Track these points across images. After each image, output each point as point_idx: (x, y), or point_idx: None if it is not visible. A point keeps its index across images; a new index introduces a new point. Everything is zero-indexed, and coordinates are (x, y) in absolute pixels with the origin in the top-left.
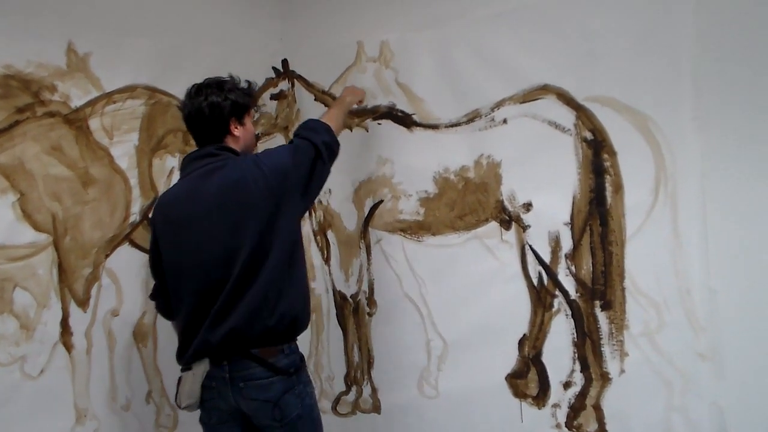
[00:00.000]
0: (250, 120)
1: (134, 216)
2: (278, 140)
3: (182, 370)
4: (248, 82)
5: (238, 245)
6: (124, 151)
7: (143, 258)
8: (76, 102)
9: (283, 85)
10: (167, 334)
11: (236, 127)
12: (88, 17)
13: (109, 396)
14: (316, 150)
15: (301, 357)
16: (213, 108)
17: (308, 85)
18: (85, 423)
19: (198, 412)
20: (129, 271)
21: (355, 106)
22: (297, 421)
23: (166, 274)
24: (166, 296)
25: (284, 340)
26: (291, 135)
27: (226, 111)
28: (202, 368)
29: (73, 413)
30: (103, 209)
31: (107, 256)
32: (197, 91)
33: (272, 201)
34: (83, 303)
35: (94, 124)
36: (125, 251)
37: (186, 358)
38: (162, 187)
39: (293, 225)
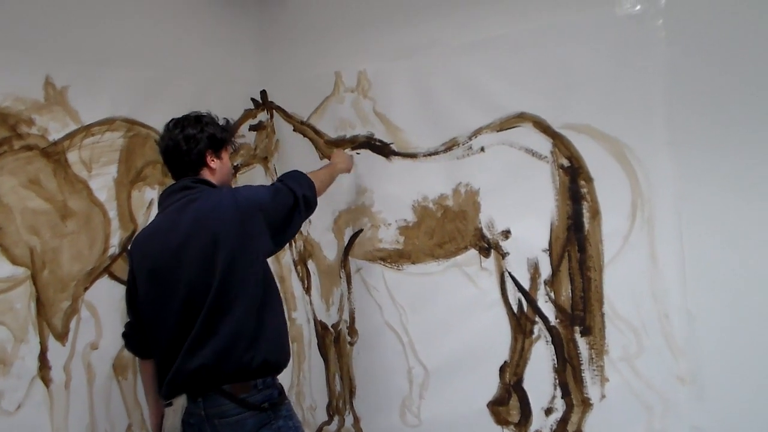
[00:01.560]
0: (227, 155)
1: (113, 248)
2: (258, 171)
3: (164, 406)
4: (226, 119)
5: (209, 278)
6: (102, 183)
7: (123, 290)
8: (54, 135)
9: (262, 116)
10: None
11: (213, 160)
12: (65, 50)
13: (88, 430)
14: (295, 199)
15: (280, 391)
16: (189, 140)
17: (287, 116)
18: None
19: None
20: (108, 303)
21: (349, 173)
22: None
23: (142, 310)
24: (141, 333)
25: (258, 377)
26: (270, 165)
27: (203, 143)
28: (180, 403)
29: None
30: (82, 242)
31: (86, 288)
32: (175, 124)
33: (242, 233)
34: (62, 336)
35: (72, 157)
36: (104, 284)
37: (164, 391)
38: (141, 219)
39: (262, 262)
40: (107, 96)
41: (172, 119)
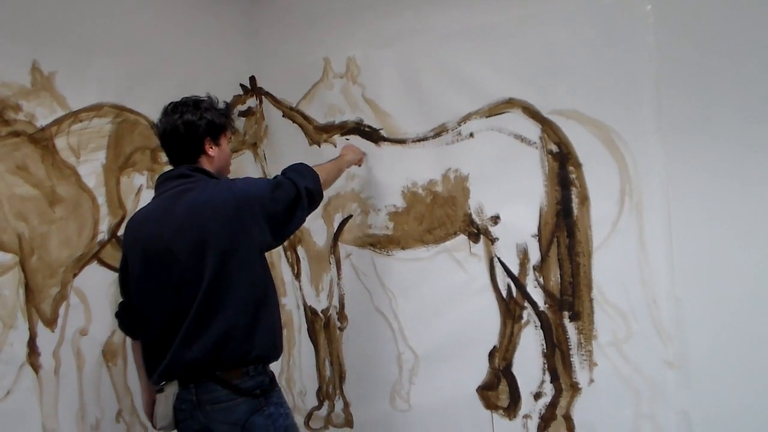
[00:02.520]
0: (226, 141)
1: (102, 234)
2: (247, 157)
3: (156, 392)
4: (226, 103)
5: (201, 269)
6: (91, 169)
7: (112, 276)
8: (42, 121)
9: (251, 102)
10: None
11: (211, 147)
12: (52, 36)
13: (78, 416)
14: (297, 192)
15: (271, 378)
16: (188, 126)
17: (276, 102)
18: None
19: None
20: (97, 289)
21: (356, 166)
22: None
23: (133, 293)
24: (131, 314)
25: (250, 365)
26: (259, 152)
27: (201, 130)
28: (172, 390)
29: None
30: (71, 228)
31: (75, 275)
32: (173, 108)
33: (237, 228)
34: (51, 323)
35: (60, 143)
36: (93, 270)
37: (155, 379)
38: (130, 205)
39: (258, 257)
40: (95, 82)
41: (171, 103)
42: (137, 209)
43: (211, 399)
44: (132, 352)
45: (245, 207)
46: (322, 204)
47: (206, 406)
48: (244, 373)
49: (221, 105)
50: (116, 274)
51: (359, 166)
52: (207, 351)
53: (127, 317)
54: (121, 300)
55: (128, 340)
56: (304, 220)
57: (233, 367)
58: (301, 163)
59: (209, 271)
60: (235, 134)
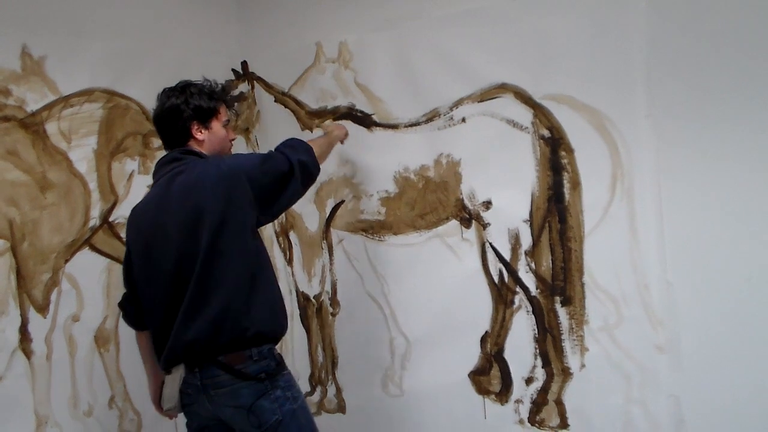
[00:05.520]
0: (219, 124)
1: (94, 220)
2: (239, 142)
3: (165, 373)
4: (222, 85)
5: (194, 250)
6: (82, 154)
7: (104, 262)
8: (32, 106)
9: (243, 87)
10: (130, 338)
11: (200, 132)
12: (42, 20)
13: (70, 402)
14: (290, 166)
15: (278, 362)
16: (172, 111)
17: (268, 87)
18: (45, 430)
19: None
20: (90, 275)
21: (340, 144)
22: (277, 426)
23: (138, 284)
24: (137, 305)
25: (252, 346)
26: (251, 137)
27: (186, 115)
28: (179, 373)
29: (33, 420)
30: (62, 214)
31: (67, 261)
32: (164, 93)
33: (226, 203)
34: (42, 309)
35: (51, 128)
36: (85, 256)
37: (162, 366)
38: (122, 191)
39: (249, 231)
40: (86, 67)
41: (164, 88)
42: (139, 200)
43: (215, 383)
44: (137, 342)
45: (233, 183)
46: (314, 189)
47: (210, 391)
48: (248, 357)
49: (217, 88)
50: (108, 260)
51: (342, 143)
52: (205, 330)
53: (131, 308)
54: (125, 291)
55: (122, 325)
56: (301, 194)
57: (234, 347)
58: (294, 138)
59: (203, 249)
60: (236, 116)
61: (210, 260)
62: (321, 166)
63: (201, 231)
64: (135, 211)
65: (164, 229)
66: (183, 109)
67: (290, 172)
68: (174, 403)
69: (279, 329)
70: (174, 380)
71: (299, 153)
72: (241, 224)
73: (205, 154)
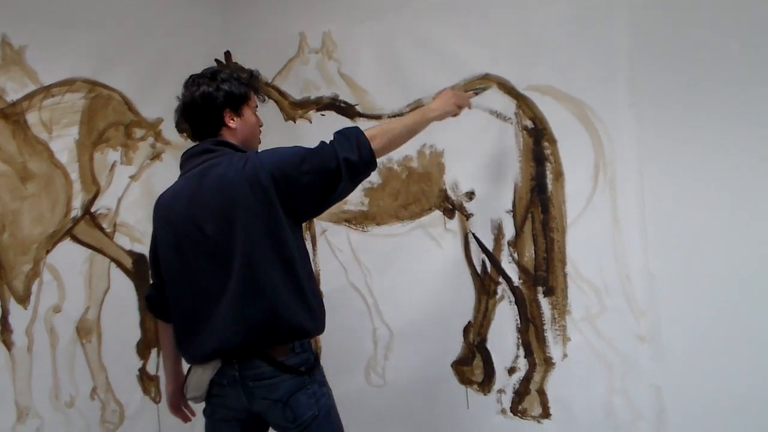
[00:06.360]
0: (250, 111)
1: (76, 211)
2: None
3: (193, 363)
4: (251, 71)
5: (232, 247)
6: (64, 145)
7: (86, 253)
8: (12, 96)
9: None
10: (112, 329)
11: (232, 119)
12: (22, 9)
13: (51, 393)
14: (337, 164)
15: (316, 356)
16: (205, 99)
17: None
18: (26, 421)
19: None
20: (71, 266)
21: (453, 117)
22: (312, 422)
23: (164, 273)
24: (163, 296)
25: (295, 339)
26: None
27: (219, 102)
28: (213, 365)
29: (14, 411)
30: (43, 204)
31: (48, 251)
32: (192, 81)
33: (262, 201)
34: (23, 300)
35: (32, 118)
36: (67, 247)
37: (192, 356)
38: (104, 181)
39: (288, 230)
40: (67, 56)
41: (191, 76)
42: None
43: (255, 375)
44: (160, 334)
45: (271, 179)
46: None
47: (249, 383)
48: (290, 349)
49: (245, 74)
50: (90, 251)
51: (455, 116)
52: (253, 332)
53: (158, 299)
54: (152, 282)
55: (104, 316)
56: (351, 190)
57: (279, 343)
58: (355, 127)
59: (241, 250)
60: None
61: (250, 261)
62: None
63: (238, 230)
64: (161, 201)
65: (197, 223)
66: (215, 96)
67: (337, 170)
68: (201, 393)
69: (321, 326)
70: (206, 371)
71: (348, 148)
72: (279, 223)
73: (238, 145)
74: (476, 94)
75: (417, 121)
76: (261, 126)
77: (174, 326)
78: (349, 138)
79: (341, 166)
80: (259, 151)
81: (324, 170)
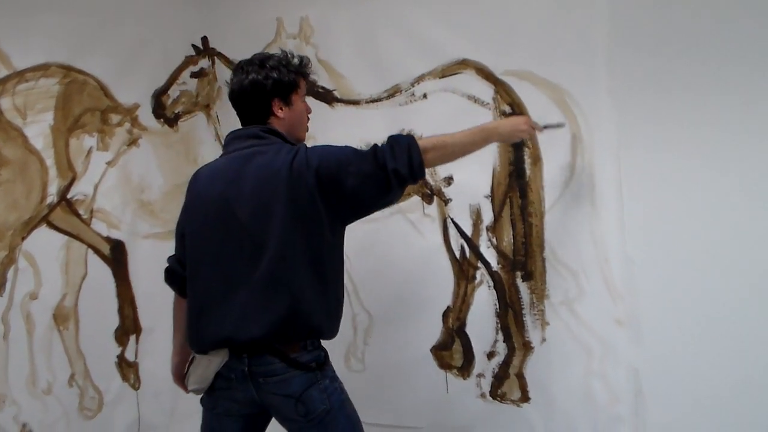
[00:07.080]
0: (299, 99)
1: (51, 197)
2: (200, 119)
3: (198, 353)
4: (300, 57)
5: (264, 238)
6: (38, 131)
7: (62, 240)
8: None
9: (204, 62)
10: (90, 316)
11: (281, 108)
12: None
13: (28, 380)
14: (385, 174)
15: (326, 353)
16: (254, 86)
17: (229, 63)
18: (3, 408)
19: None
20: (47, 253)
21: (522, 140)
22: (325, 416)
23: (188, 248)
24: (184, 269)
25: (309, 338)
26: (212, 113)
27: (268, 90)
28: (220, 357)
29: None
30: (18, 191)
31: (23, 238)
32: (241, 68)
33: (303, 198)
34: None
35: (5, 103)
36: (43, 233)
37: (198, 343)
38: (80, 168)
39: (326, 231)
40: (41, 41)
41: (240, 62)
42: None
43: (266, 371)
44: (174, 307)
45: (316, 178)
46: None
47: (259, 378)
48: (302, 347)
49: (295, 60)
50: (66, 238)
51: (518, 140)
52: (272, 327)
53: (178, 272)
54: (175, 253)
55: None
56: (399, 196)
57: (295, 340)
58: (407, 137)
59: (273, 244)
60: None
61: (282, 257)
62: None
63: (274, 223)
64: (199, 175)
65: (231, 207)
66: (265, 84)
67: (384, 179)
68: (204, 385)
69: (335, 331)
70: (212, 363)
71: (399, 159)
72: (319, 222)
73: (286, 135)
74: (549, 128)
75: (476, 142)
76: (310, 113)
77: (188, 304)
78: (402, 147)
79: (390, 176)
80: (309, 146)
81: (370, 176)
